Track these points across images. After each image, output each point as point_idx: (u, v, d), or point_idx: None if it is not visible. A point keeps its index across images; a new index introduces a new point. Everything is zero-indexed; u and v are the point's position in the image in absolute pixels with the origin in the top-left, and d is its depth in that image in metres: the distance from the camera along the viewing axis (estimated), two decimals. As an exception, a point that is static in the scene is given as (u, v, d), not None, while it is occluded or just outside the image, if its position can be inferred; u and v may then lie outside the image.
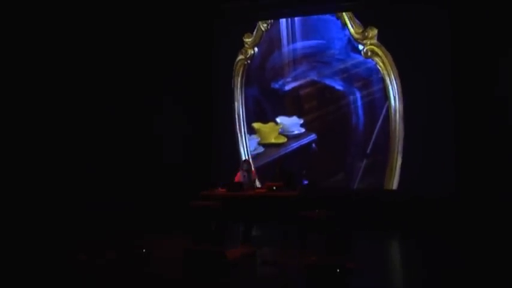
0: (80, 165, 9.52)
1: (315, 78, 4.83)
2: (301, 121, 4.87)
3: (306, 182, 5.74)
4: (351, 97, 4.81)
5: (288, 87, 4.90)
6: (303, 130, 4.85)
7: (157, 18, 10.08)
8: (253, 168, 9.00)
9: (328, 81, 4.74)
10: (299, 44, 4.67)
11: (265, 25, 4.92)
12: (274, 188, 8.45)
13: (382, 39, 4.56)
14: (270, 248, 7.63)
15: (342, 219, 8.39)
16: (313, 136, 4.86)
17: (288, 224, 8.07)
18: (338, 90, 4.76)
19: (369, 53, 4.55)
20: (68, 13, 9.38)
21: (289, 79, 4.92)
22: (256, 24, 5.02)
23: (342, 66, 4.64)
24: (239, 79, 5.22)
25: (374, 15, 4.70)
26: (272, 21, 4.92)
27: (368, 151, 4.73)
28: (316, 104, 5.01)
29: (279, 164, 8.90)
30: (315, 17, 4.61)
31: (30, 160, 8.95)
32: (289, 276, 6.32)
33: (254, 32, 5.15)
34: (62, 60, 9.43)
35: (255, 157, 5.19)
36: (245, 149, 4.99)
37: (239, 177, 8.94)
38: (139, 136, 10.19)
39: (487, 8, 7.58)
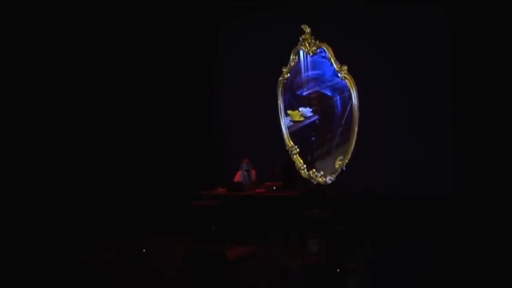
0: (80, 164, 9.50)
1: (318, 89, 8.47)
2: (311, 109, 8.47)
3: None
4: (334, 98, 8.36)
5: (304, 93, 8.50)
6: (311, 114, 8.41)
7: (172, 25, 10.40)
8: (253, 168, 9.03)
9: (324, 91, 8.35)
10: (310, 73, 8.42)
11: (293, 63, 8.59)
12: (274, 188, 8.46)
13: (349, 71, 8.28)
14: (270, 248, 7.62)
15: (342, 218, 8.41)
16: (316, 117, 8.41)
17: (288, 223, 8.07)
18: (328, 95, 8.38)
19: (343, 78, 8.19)
20: (72, 14, 9.37)
21: (305, 89, 8.50)
22: (289, 60, 8.83)
23: (330, 84, 8.32)
24: (280, 89, 8.82)
25: (346, 57, 8.29)
26: (297, 60, 8.59)
27: (342, 123, 8.24)
28: (318, 102, 8.54)
29: (279, 165, 8.91)
30: (318, 59, 8.39)
31: (30, 159, 8.94)
32: (289, 276, 6.32)
33: (288, 65, 8.81)
34: (68, 60, 9.41)
35: (289, 127, 8.72)
36: (284, 124, 8.73)
37: (239, 177, 8.95)
38: (140, 136, 10.17)
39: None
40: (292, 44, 8.70)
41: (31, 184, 8.83)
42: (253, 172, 8.98)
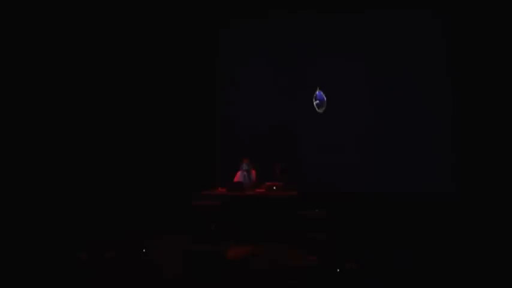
0: (80, 164, 9.50)
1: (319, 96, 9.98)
2: (317, 102, 9.88)
3: None
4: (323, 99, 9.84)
5: (318, 97, 10.11)
6: (318, 101, 9.90)
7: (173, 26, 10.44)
8: (253, 168, 9.02)
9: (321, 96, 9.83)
10: (318, 93, 10.15)
11: (314, 93, 10.31)
12: (274, 188, 8.46)
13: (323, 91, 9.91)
14: (270, 247, 7.61)
15: (341, 218, 8.41)
16: (319, 101, 10.12)
17: (288, 224, 8.07)
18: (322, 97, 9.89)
19: (323, 92, 10.01)
20: (74, 16, 9.39)
21: (317, 97, 10.09)
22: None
23: (322, 96, 10.00)
24: (314, 97, 10.30)
25: (324, 87, 10.13)
26: (316, 91, 10.26)
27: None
28: (319, 100, 10.07)
29: (279, 165, 8.92)
30: (319, 92, 10.23)
31: (30, 159, 8.95)
32: (289, 276, 6.32)
33: (314, 95, 10.28)
34: (70, 61, 9.44)
35: (316, 104, 10.41)
36: (315, 104, 10.36)
37: (239, 177, 8.95)
38: (140, 136, 10.17)
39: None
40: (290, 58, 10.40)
41: (31, 184, 8.84)
42: (253, 172, 8.98)
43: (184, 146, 10.41)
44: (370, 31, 9.42)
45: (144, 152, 10.17)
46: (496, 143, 8.11)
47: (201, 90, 10.70)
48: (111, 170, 9.71)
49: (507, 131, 8.02)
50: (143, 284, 6.00)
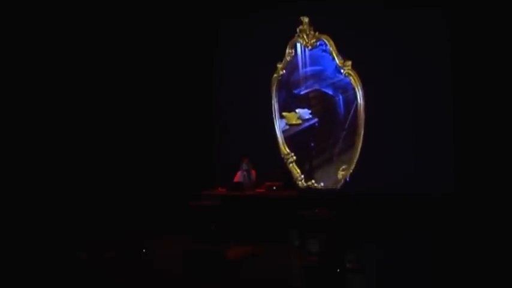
0: (80, 164, 9.50)
1: (318, 87, 7.73)
2: (310, 111, 7.79)
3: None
4: (336, 98, 7.63)
5: (302, 92, 7.84)
6: (310, 116, 7.80)
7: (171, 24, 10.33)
8: (253, 168, 9.03)
9: (324, 89, 7.70)
10: (308, 68, 7.76)
11: (289, 57, 7.88)
12: (274, 188, 8.48)
13: (353, 67, 7.55)
14: (270, 247, 7.63)
15: (342, 218, 8.40)
16: (316, 120, 7.75)
17: (288, 224, 8.08)
18: (330, 94, 7.66)
19: (346, 74, 7.43)
20: (74, 15, 9.40)
21: (303, 88, 7.85)
22: (284, 56, 8.16)
23: (331, 81, 7.61)
24: (274, 88, 8.16)
25: (350, 52, 7.62)
26: (293, 54, 7.91)
27: (346, 127, 7.56)
28: (318, 102, 7.80)
29: (278, 166, 8.93)
30: (318, 53, 7.69)
31: (30, 159, 8.94)
32: (289, 276, 6.33)
33: (283, 61, 8.13)
34: (69, 60, 9.43)
35: (284, 132, 8.10)
36: (278, 128, 8.12)
37: (239, 177, 8.96)
38: (140, 136, 10.17)
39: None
40: (290, 36, 8.00)
41: (31, 184, 8.84)
42: (253, 172, 8.99)
43: (184, 146, 10.40)
44: (371, 31, 9.34)
45: (144, 152, 10.17)
46: (499, 144, 8.09)
47: (201, 89, 10.69)
48: (111, 170, 9.70)
49: (508, 131, 8.00)
50: (143, 284, 6.01)
